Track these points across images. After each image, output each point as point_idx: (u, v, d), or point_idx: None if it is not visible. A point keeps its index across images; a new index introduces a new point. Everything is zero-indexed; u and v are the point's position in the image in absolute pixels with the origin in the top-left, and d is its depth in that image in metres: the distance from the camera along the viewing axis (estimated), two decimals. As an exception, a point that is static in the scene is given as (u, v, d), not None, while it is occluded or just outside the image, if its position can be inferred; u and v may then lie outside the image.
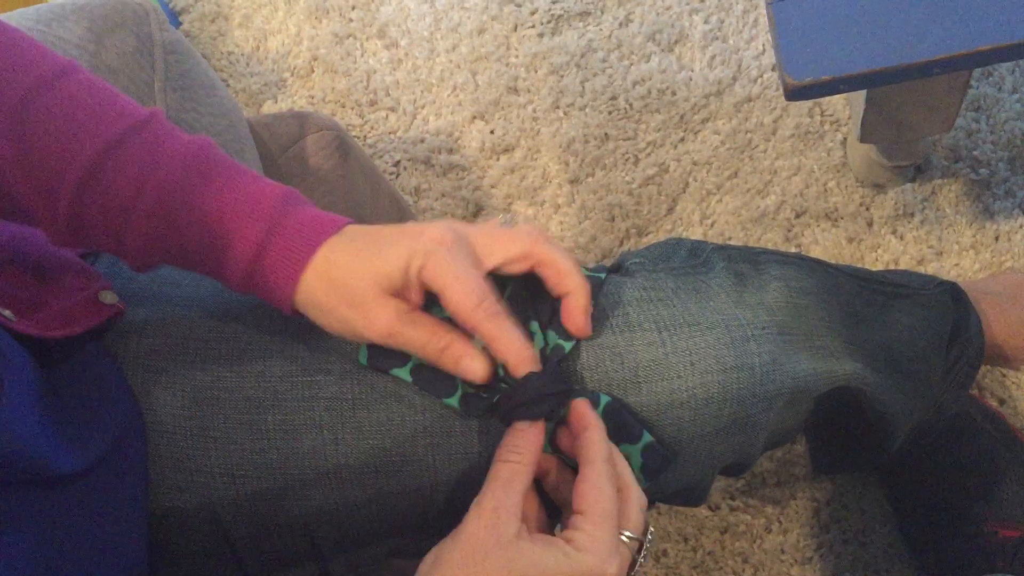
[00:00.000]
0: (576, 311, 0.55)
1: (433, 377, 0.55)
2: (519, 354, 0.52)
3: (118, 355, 0.58)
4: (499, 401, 0.54)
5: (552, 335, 0.56)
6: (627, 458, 0.54)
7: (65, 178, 0.51)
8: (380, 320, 0.52)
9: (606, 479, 0.51)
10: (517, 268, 0.54)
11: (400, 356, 0.55)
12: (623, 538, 0.51)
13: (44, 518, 0.47)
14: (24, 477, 0.47)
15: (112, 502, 0.53)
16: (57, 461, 0.47)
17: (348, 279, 0.52)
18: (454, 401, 0.55)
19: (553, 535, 0.50)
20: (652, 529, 0.53)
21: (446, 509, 0.58)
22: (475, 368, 0.52)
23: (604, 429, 0.53)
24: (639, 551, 0.52)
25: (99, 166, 0.51)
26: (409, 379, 0.55)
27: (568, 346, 0.56)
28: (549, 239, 0.55)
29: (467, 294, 0.51)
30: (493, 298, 0.52)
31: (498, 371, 0.54)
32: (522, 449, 0.51)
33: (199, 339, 0.58)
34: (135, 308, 0.60)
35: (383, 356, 0.55)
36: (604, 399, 0.55)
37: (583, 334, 0.56)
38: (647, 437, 0.55)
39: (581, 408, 0.53)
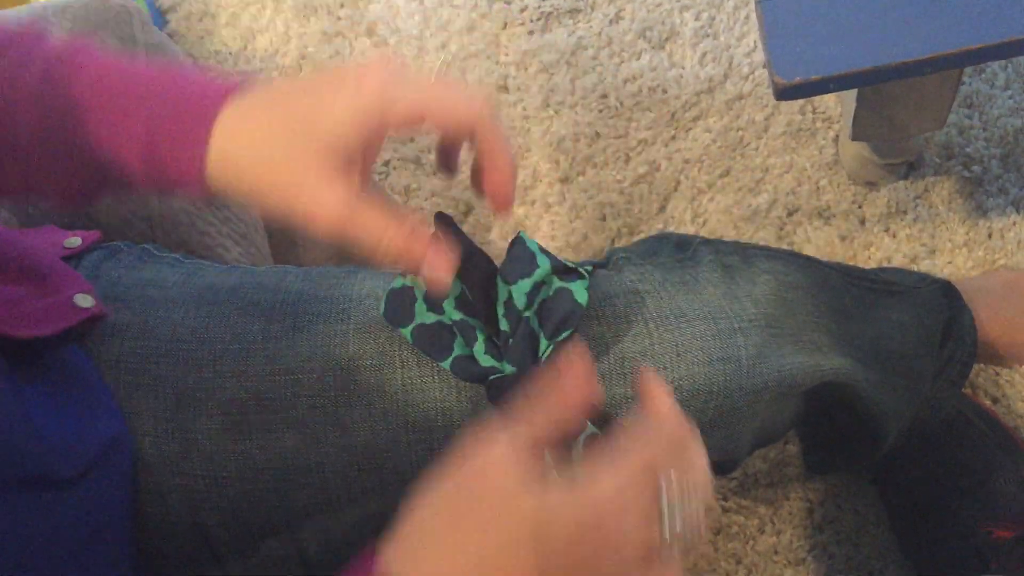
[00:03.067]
0: (504, 180, 0.47)
1: (432, 336, 0.55)
2: (510, 161, 0.46)
3: (100, 358, 0.58)
4: (490, 384, 0.54)
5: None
6: None
7: None
8: (325, 211, 0.44)
9: (659, 436, 0.42)
10: (444, 131, 0.48)
11: (407, 313, 0.56)
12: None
13: (29, 520, 0.47)
14: (15, 479, 0.46)
15: (100, 508, 0.52)
16: (44, 463, 0.47)
17: (279, 165, 0.44)
18: (447, 363, 0.55)
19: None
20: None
21: None
22: (437, 277, 0.46)
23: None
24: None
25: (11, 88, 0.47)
26: (410, 339, 0.55)
27: (516, 293, 0.55)
28: (495, 112, 0.47)
29: (456, 101, 0.44)
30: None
31: (494, 362, 0.54)
32: (556, 420, 0.43)
33: (181, 341, 0.58)
34: (118, 311, 0.59)
35: (395, 310, 0.56)
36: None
37: (506, 203, 0.48)
38: None
39: (648, 377, 0.45)
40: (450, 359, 0.55)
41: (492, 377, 0.54)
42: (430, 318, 0.55)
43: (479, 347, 0.54)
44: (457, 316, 0.55)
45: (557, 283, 0.56)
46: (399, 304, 0.56)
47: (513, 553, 0.40)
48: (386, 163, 1.12)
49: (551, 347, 0.55)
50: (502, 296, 0.55)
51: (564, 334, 0.55)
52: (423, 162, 1.10)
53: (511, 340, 0.55)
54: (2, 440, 0.46)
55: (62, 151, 0.48)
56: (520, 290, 0.54)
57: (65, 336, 0.55)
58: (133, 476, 0.56)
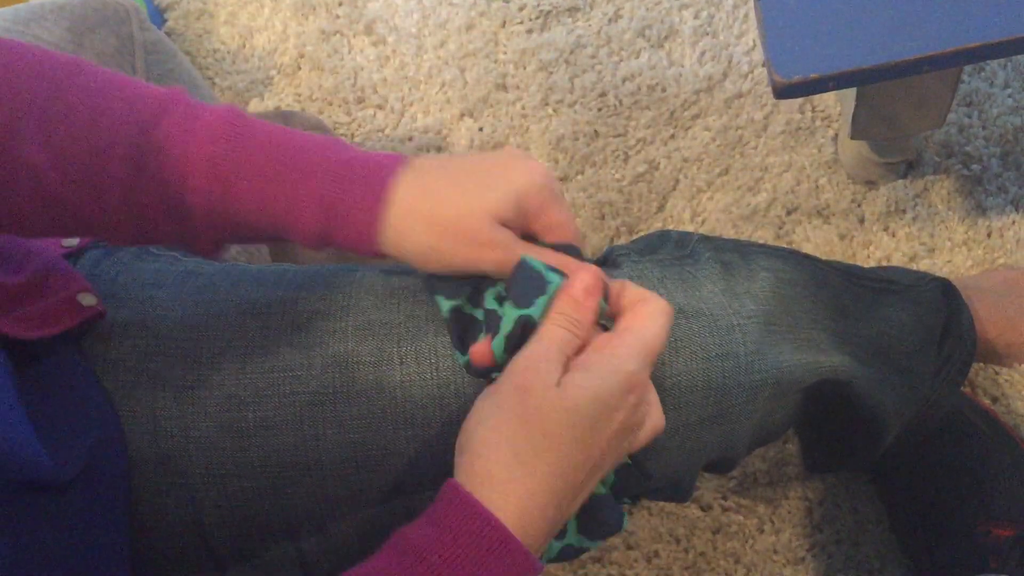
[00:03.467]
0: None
1: (460, 325, 0.55)
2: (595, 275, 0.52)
3: (99, 356, 0.58)
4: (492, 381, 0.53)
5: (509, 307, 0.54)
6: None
7: (109, 172, 0.50)
8: (498, 248, 0.52)
9: (661, 312, 0.51)
10: (540, 234, 0.55)
11: (453, 290, 0.56)
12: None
13: (23, 524, 0.46)
14: (5, 481, 0.46)
15: (94, 511, 0.52)
16: (39, 466, 0.47)
17: (456, 216, 0.51)
18: (463, 359, 0.55)
19: None
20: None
21: (431, 504, 0.57)
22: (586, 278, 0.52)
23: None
24: None
25: (139, 150, 0.50)
26: (444, 314, 0.56)
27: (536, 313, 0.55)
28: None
29: (571, 220, 0.54)
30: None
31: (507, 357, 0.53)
32: (576, 320, 0.51)
33: (179, 339, 0.58)
34: (117, 309, 0.59)
35: (441, 282, 0.56)
36: None
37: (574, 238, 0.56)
38: (624, 458, 0.54)
39: (623, 288, 0.53)
40: (467, 357, 0.54)
41: (493, 376, 0.53)
42: (468, 310, 0.56)
43: (498, 341, 0.54)
44: (493, 306, 0.55)
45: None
46: (448, 280, 0.56)
47: (556, 435, 0.46)
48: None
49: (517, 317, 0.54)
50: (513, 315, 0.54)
51: (541, 302, 0.54)
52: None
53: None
54: (6, 445, 0.46)
55: (226, 222, 0.52)
56: (538, 309, 0.53)
57: (64, 336, 0.55)
58: (126, 477, 0.56)
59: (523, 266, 0.53)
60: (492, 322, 0.54)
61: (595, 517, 0.53)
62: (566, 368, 0.49)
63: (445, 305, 0.55)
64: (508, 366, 0.49)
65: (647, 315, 0.51)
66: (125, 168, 0.50)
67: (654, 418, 0.51)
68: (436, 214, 0.51)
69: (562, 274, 0.53)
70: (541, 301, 0.52)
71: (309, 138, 0.52)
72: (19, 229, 0.53)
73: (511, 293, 0.53)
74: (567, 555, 0.53)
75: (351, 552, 0.59)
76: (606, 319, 0.54)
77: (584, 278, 0.51)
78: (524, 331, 0.52)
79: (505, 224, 0.52)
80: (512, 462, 0.46)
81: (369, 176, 0.51)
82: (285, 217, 0.51)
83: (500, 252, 0.52)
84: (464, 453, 0.48)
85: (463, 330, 0.55)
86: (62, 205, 0.51)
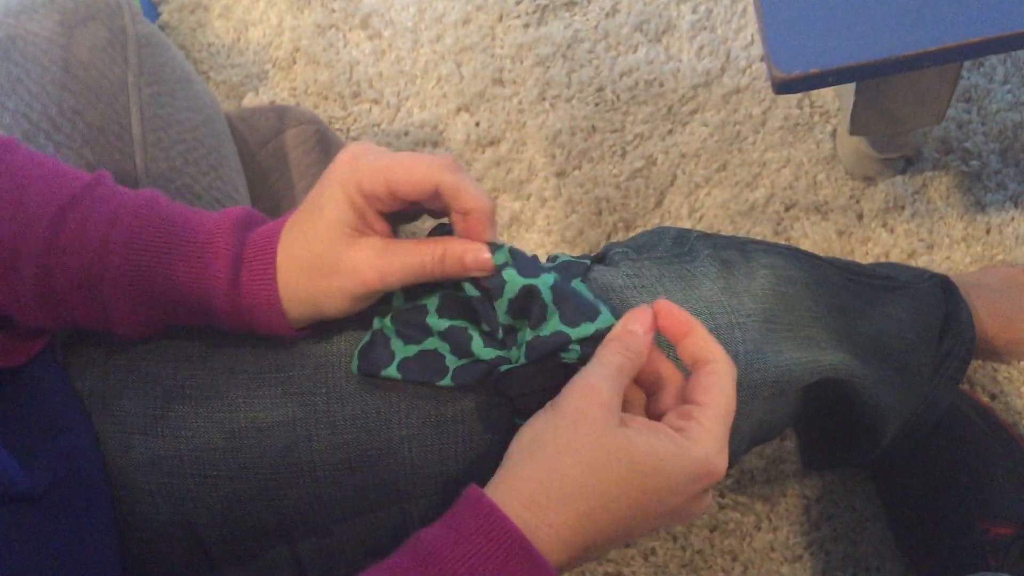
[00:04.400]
0: (479, 224, 0.51)
1: (420, 365, 0.53)
2: (481, 200, 0.51)
3: (88, 357, 0.57)
4: (501, 377, 0.52)
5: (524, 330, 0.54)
6: None
7: (22, 250, 0.49)
8: (364, 266, 0.50)
9: (730, 379, 0.49)
10: (415, 195, 0.52)
11: (386, 355, 0.54)
12: None
13: (4, 531, 0.46)
14: None
15: (73, 519, 0.51)
16: (10, 479, 0.46)
17: (313, 254, 0.51)
18: (447, 380, 0.53)
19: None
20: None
21: (424, 504, 0.57)
22: (482, 257, 0.51)
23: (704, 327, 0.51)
24: None
25: (56, 225, 0.49)
26: (397, 375, 0.53)
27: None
28: (460, 167, 0.52)
29: (415, 164, 0.50)
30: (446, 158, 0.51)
31: (497, 351, 0.53)
32: (634, 350, 0.49)
33: (172, 339, 0.57)
34: None
35: (371, 359, 0.54)
36: None
37: (480, 247, 0.52)
38: None
39: (669, 310, 0.52)
40: (448, 375, 0.53)
41: (503, 368, 0.52)
42: (411, 350, 0.54)
43: (476, 343, 0.53)
44: (444, 325, 0.54)
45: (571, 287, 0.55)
46: (372, 350, 0.54)
47: (604, 475, 0.45)
48: (380, 157, 1.11)
49: (574, 355, 0.53)
50: (508, 294, 0.53)
51: (585, 328, 0.53)
52: (418, 156, 1.10)
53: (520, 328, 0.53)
54: None
55: (147, 301, 0.52)
56: (545, 282, 0.53)
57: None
58: (105, 482, 0.55)
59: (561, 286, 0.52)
60: (458, 336, 0.54)
61: None
62: (626, 402, 0.48)
63: (391, 370, 0.54)
64: (566, 387, 0.48)
65: (719, 388, 0.49)
66: (39, 253, 0.49)
67: (706, 504, 0.50)
68: (298, 263, 0.51)
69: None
70: (548, 277, 0.52)
71: (215, 222, 0.53)
72: None
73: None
74: None
75: (347, 554, 0.59)
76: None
77: (643, 315, 0.51)
78: (530, 297, 0.51)
79: (360, 230, 0.51)
80: (555, 489, 0.45)
81: (259, 253, 0.52)
82: (199, 300, 0.52)
83: (369, 269, 0.51)
84: (509, 462, 0.47)
85: (422, 367, 0.54)
86: None
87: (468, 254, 0.51)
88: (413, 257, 0.51)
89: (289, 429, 0.55)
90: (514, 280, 0.51)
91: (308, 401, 0.55)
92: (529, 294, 0.52)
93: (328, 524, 0.57)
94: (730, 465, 0.66)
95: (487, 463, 0.53)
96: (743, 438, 0.63)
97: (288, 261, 0.51)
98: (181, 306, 0.52)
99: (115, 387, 0.56)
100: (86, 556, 0.51)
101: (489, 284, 0.52)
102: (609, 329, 0.52)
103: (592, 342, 0.51)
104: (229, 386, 0.55)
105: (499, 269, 0.52)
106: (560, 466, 0.45)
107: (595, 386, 0.47)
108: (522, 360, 0.52)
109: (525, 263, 0.53)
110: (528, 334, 0.52)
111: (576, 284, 0.56)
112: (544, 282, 0.52)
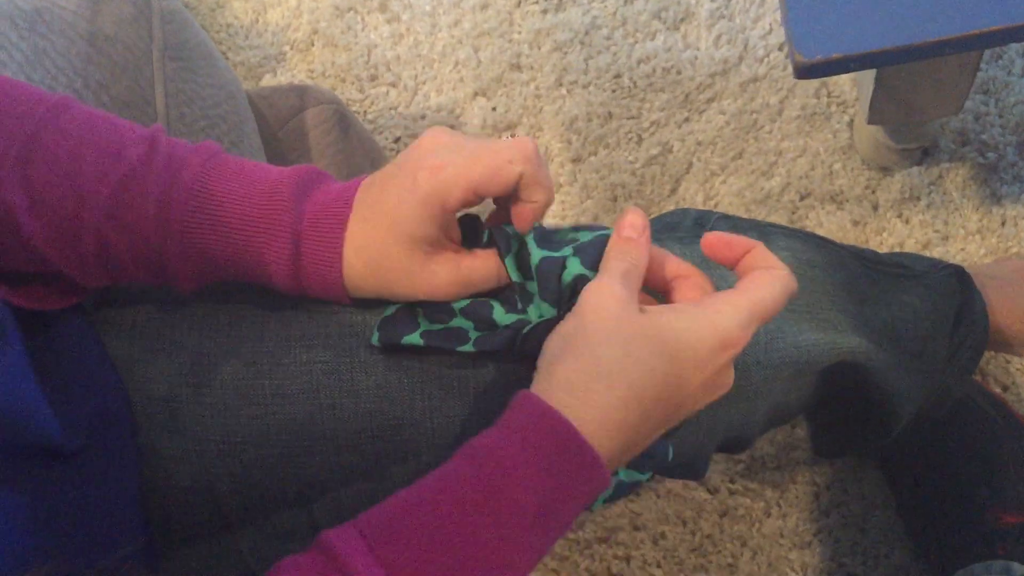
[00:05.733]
0: (538, 215, 0.52)
1: (443, 336, 0.54)
2: (551, 192, 0.52)
3: (115, 322, 0.58)
4: (528, 335, 0.53)
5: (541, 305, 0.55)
6: None
7: (83, 220, 0.50)
8: (440, 282, 0.52)
9: (783, 286, 0.49)
10: (499, 194, 0.52)
11: (410, 324, 0.54)
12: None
13: (39, 484, 0.46)
14: (19, 444, 0.46)
15: (105, 479, 0.52)
16: (50, 433, 0.47)
17: (385, 260, 0.51)
18: (468, 346, 0.54)
19: None
20: None
21: None
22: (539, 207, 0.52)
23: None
24: None
25: (116, 200, 0.50)
26: (420, 342, 0.54)
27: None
28: (539, 156, 0.52)
29: (499, 164, 0.50)
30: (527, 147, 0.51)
31: (518, 315, 0.53)
32: (634, 255, 0.50)
33: (197, 305, 0.58)
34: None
35: (393, 328, 0.55)
36: None
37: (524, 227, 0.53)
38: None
39: (721, 237, 0.52)
40: (470, 343, 0.54)
41: (525, 329, 0.53)
42: (436, 326, 0.55)
43: (498, 311, 0.54)
44: (466, 302, 0.54)
45: (589, 235, 0.55)
46: (398, 321, 0.55)
47: (638, 357, 0.46)
48: (396, 140, 1.11)
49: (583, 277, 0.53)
50: (514, 247, 0.54)
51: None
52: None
53: (543, 264, 0.54)
54: (15, 411, 0.46)
55: (203, 273, 0.53)
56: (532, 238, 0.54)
57: (75, 306, 0.55)
58: (133, 445, 0.56)
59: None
60: (479, 309, 0.54)
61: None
62: (639, 301, 0.49)
63: (415, 337, 0.55)
64: (580, 296, 0.49)
65: (765, 281, 0.49)
66: (99, 219, 0.50)
67: (729, 379, 0.51)
68: (368, 257, 0.51)
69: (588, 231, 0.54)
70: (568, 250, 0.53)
71: (276, 179, 0.52)
72: None
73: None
74: (620, 492, 0.54)
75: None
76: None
77: (632, 219, 0.51)
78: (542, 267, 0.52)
79: (432, 236, 0.51)
80: (593, 372, 0.46)
81: (324, 230, 0.52)
82: (260, 272, 0.52)
83: (442, 280, 0.52)
84: (543, 365, 0.48)
85: (444, 337, 0.54)
86: (31, 247, 0.50)
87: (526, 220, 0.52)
88: (486, 272, 0.53)
89: (313, 397, 0.55)
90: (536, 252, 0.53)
91: (332, 370, 0.55)
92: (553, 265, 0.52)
93: (349, 492, 0.57)
94: (747, 447, 0.67)
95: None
96: (760, 419, 0.63)
97: (357, 257, 0.52)
98: (243, 276, 0.54)
99: (141, 354, 0.56)
100: (114, 515, 0.52)
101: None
102: None
103: None
104: (255, 354, 0.56)
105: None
106: (595, 352, 0.46)
107: (607, 286, 0.48)
108: (542, 314, 0.53)
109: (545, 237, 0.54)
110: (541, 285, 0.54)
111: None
112: (566, 253, 0.53)
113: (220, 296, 0.58)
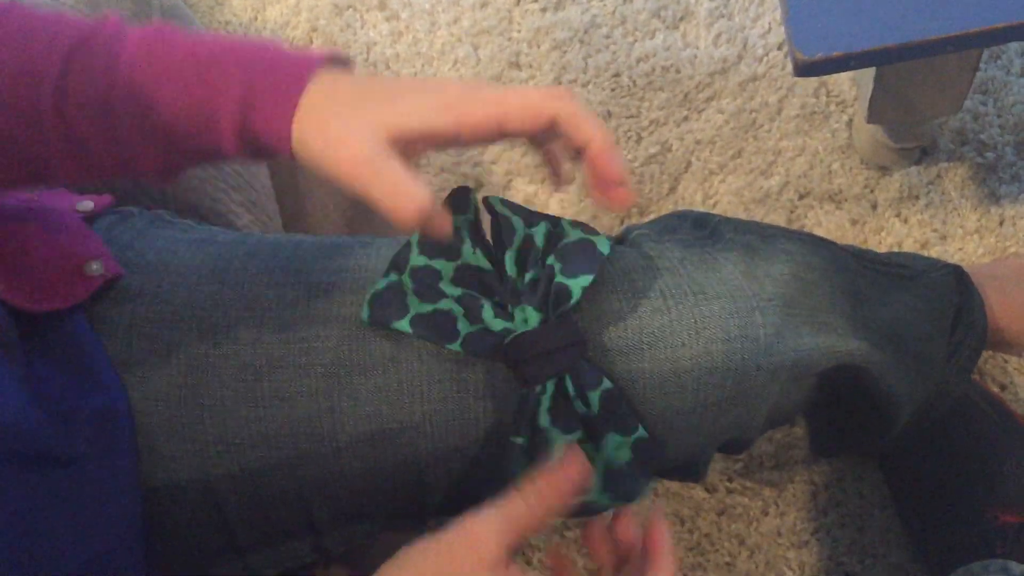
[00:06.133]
0: (604, 156, 0.48)
1: (433, 324, 0.54)
2: (603, 128, 0.48)
3: (112, 322, 0.57)
4: (509, 344, 0.52)
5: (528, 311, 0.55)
6: (616, 449, 0.54)
7: (40, 106, 0.48)
8: (358, 141, 0.46)
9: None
10: (528, 125, 0.47)
11: (399, 307, 0.54)
12: None
13: (28, 495, 0.46)
14: (24, 456, 0.46)
15: (104, 482, 0.52)
16: (43, 437, 0.46)
17: (342, 129, 0.46)
18: (456, 345, 0.54)
19: None
20: None
21: (443, 480, 0.57)
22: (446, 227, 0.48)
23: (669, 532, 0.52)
24: None
25: (67, 69, 0.48)
26: (409, 329, 0.54)
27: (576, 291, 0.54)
28: (576, 96, 0.48)
29: (529, 93, 0.47)
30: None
31: (506, 323, 0.53)
32: (549, 509, 0.48)
33: (194, 307, 0.58)
34: (130, 276, 0.59)
35: (384, 309, 0.54)
36: (605, 384, 0.54)
37: (614, 185, 0.49)
38: (640, 431, 0.55)
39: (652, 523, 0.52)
40: (459, 340, 0.54)
41: (509, 338, 0.53)
42: (426, 308, 0.54)
43: (487, 312, 0.54)
44: (457, 291, 0.54)
45: (579, 234, 0.56)
46: (387, 301, 0.54)
47: None
48: (396, 138, 1.11)
49: (572, 300, 0.53)
50: (516, 243, 0.53)
51: (584, 278, 0.54)
52: (433, 137, 1.10)
53: (528, 277, 0.54)
54: (15, 417, 0.46)
55: (155, 129, 0.49)
56: (540, 231, 0.53)
57: (74, 306, 0.55)
58: (134, 447, 0.55)
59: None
60: (470, 303, 0.54)
61: (617, 480, 0.53)
62: (514, 545, 0.47)
63: (403, 324, 0.54)
64: (455, 524, 0.47)
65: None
66: (55, 91, 0.48)
67: None
68: (327, 123, 0.47)
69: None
70: (543, 226, 0.54)
71: (236, 39, 0.50)
72: None
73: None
74: (587, 511, 0.54)
75: (364, 519, 0.59)
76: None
77: (574, 474, 0.49)
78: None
79: (406, 150, 0.47)
80: None
81: (287, 74, 0.48)
82: (207, 119, 0.48)
83: (376, 179, 0.46)
84: (394, 562, 0.47)
85: (434, 326, 0.54)
86: (3, 139, 0.49)
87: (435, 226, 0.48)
88: (393, 182, 0.46)
89: (312, 400, 0.55)
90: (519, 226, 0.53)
91: (331, 372, 0.55)
92: (530, 240, 0.52)
93: (347, 495, 0.57)
94: (746, 448, 0.67)
95: (505, 439, 0.53)
96: (759, 421, 0.63)
97: (322, 102, 0.47)
98: (192, 135, 0.50)
99: (138, 355, 0.56)
100: (113, 520, 0.51)
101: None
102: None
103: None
104: (253, 356, 0.56)
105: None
106: None
107: (494, 536, 0.46)
108: (527, 319, 0.53)
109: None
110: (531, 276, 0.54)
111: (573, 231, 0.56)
112: (540, 230, 0.53)
113: (217, 297, 0.57)
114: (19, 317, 0.51)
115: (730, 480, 0.95)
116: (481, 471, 0.57)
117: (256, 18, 1.17)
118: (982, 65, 1.04)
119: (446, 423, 0.55)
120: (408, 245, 0.55)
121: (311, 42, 1.15)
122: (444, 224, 0.48)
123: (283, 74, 0.48)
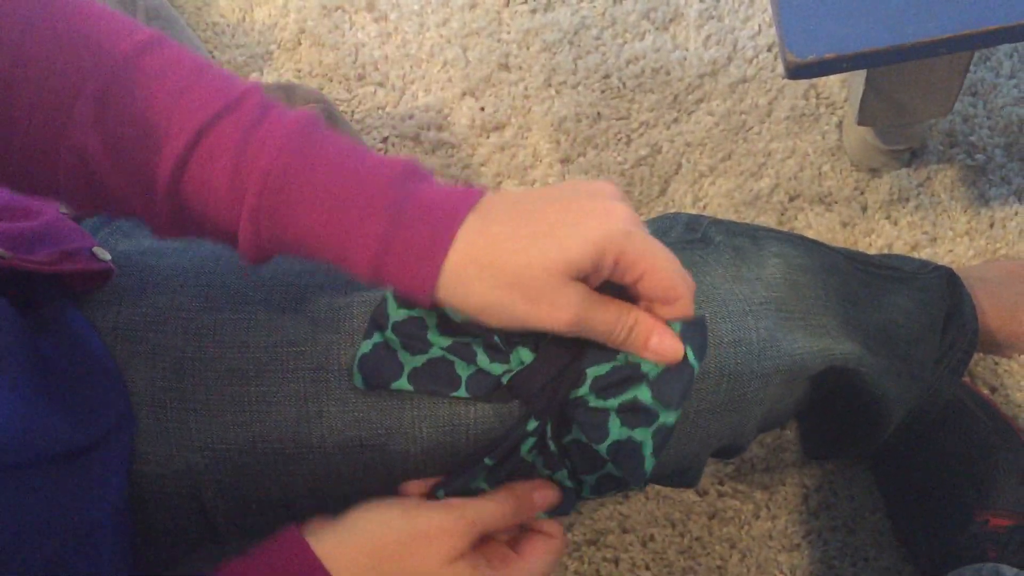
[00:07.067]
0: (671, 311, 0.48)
1: (432, 375, 0.53)
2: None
3: (97, 324, 0.57)
4: (509, 385, 0.52)
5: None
6: (640, 444, 0.52)
7: (157, 171, 0.46)
8: (566, 310, 0.46)
9: (554, 552, 0.53)
10: (651, 291, 0.48)
11: (393, 366, 0.53)
12: None
13: (29, 501, 0.46)
14: (43, 458, 0.46)
15: (99, 485, 0.51)
16: (61, 435, 0.46)
17: (519, 268, 0.45)
18: (462, 392, 0.53)
19: None
20: None
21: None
22: (668, 345, 0.48)
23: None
24: None
25: (189, 155, 0.45)
26: (409, 387, 0.53)
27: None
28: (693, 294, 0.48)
29: (672, 270, 0.47)
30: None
31: (504, 365, 0.52)
32: (518, 516, 0.52)
33: (181, 309, 0.57)
34: (116, 277, 0.58)
35: (377, 371, 0.53)
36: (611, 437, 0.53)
37: (674, 358, 0.49)
38: (659, 419, 0.53)
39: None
40: (462, 386, 0.52)
41: (505, 379, 0.52)
42: (419, 360, 0.52)
43: (482, 359, 0.53)
44: (446, 342, 0.52)
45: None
46: (378, 362, 0.52)
47: None
48: (384, 139, 1.10)
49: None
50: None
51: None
52: (421, 139, 1.09)
53: None
54: (33, 420, 0.45)
55: (273, 243, 0.48)
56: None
57: (74, 291, 0.55)
58: (131, 451, 0.55)
59: None
60: (463, 351, 0.53)
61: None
62: (478, 542, 0.50)
63: (402, 382, 0.53)
64: (438, 504, 0.51)
65: (541, 552, 0.52)
66: (172, 173, 0.46)
67: None
68: (498, 266, 0.45)
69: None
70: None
71: (378, 163, 0.47)
72: (58, 199, 0.50)
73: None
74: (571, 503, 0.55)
75: None
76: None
77: (548, 496, 0.53)
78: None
79: (580, 278, 0.46)
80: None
81: (433, 219, 0.45)
82: (339, 250, 0.46)
83: (567, 313, 0.45)
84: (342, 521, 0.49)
85: (434, 375, 0.53)
86: (107, 189, 0.47)
87: (654, 338, 0.48)
88: (608, 318, 0.47)
89: (300, 404, 0.54)
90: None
91: (320, 376, 0.54)
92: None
93: (334, 499, 0.56)
94: (739, 452, 0.66)
95: (495, 442, 0.53)
96: (753, 426, 0.63)
97: (466, 254, 0.45)
98: (315, 252, 0.48)
99: (123, 357, 0.56)
100: (101, 526, 0.51)
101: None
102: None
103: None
104: (239, 359, 0.55)
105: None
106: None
107: (458, 550, 0.49)
108: (522, 360, 0.52)
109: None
110: None
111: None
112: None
113: (203, 300, 0.57)
114: (19, 321, 0.50)
115: (721, 483, 0.95)
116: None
117: (244, 19, 1.17)
118: (972, 67, 1.04)
119: (436, 428, 0.55)
120: (384, 301, 0.53)
121: (299, 43, 1.15)
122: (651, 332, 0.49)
123: (424, 231, 0.45)
